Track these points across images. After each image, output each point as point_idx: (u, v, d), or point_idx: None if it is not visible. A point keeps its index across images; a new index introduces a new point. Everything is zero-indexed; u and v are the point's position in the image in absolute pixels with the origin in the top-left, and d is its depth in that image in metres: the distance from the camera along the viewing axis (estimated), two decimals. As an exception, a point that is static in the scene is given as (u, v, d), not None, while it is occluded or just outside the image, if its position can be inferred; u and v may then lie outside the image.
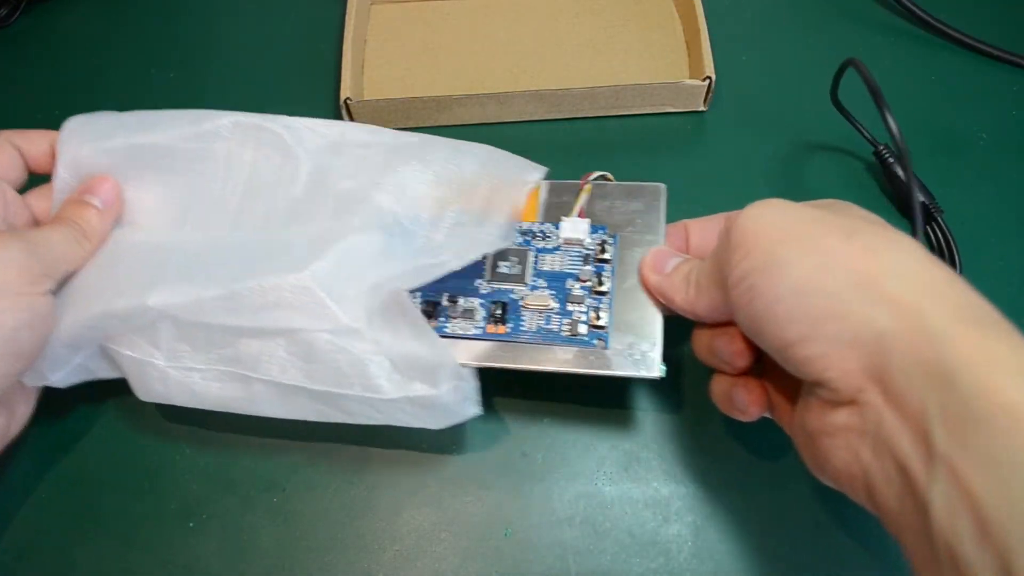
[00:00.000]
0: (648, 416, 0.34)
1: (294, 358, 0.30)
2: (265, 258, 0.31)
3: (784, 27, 0.46)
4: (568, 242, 0.33)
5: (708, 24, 0.42)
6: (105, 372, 0.33)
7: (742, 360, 0.28)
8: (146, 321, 0.31)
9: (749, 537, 0.31)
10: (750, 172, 0.40)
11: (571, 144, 0.42)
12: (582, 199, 0.33)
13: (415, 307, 0.31)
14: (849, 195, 0.39)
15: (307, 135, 0.33)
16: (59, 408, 0.35)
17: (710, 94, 0.41)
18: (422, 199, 0.32)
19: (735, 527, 0.31)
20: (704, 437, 0.33)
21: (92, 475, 0.34)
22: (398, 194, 0.32)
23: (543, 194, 0.34)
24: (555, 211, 0.34)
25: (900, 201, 0.39)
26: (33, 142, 0.33)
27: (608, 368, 0.30)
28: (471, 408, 0.31)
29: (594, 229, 0.33)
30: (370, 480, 0.33)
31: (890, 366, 0.22)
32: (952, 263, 0.36)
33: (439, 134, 0.42)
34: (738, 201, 0.39)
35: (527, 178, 0.33)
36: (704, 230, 0.32)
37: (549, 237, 0.33)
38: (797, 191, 0.40)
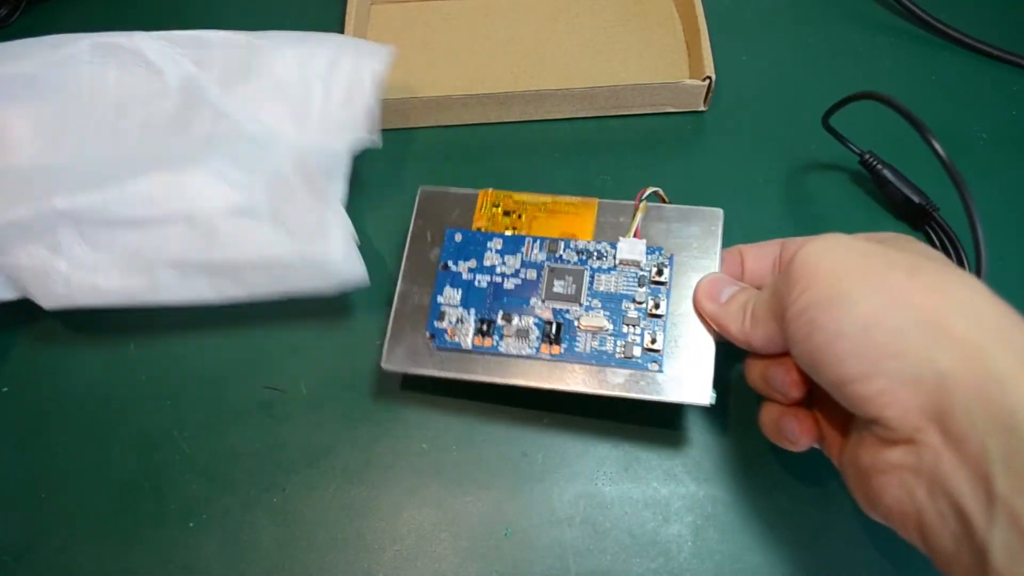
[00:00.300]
0: (649, 417, 0.34)
1: (195, 239, 0.33)
2: (158, 160, 0.33)
3: (784, 27, 0.46)
4: (624, 263, 0.32)
5: (708, 24, 0.42)
6: (3, 292, 0.34)
7: (797, 391, 0.27)
8: (46, 227, 0.32)
9: (749, 537, 0.31)
10: (750, 172, 0.40)
11: (571, 144, 0.42)
12: (638, 219, 0.33)
13: (314, 175, 0.34)
14: (850, 194, 0.39)
15: (167, 48, 0.36)
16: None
17: (710, 94, 0.41)
18: (289, 90, 0.35)
19: (735, 527, 0.31)
20: (704, 438, 0.33)
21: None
22: (267, 90, 0.35)
23: (597, 213, 0.34)
24: (609, 231, 0.33)
25: (894, 206, 0.39)
26: None
27: (659, 394, 0.30)
28: (359, 271, 0.34)
29: (650, 251, 0.32)
30: (370, 480, 0.33)
31: (951, 407, 0.21)
32: (958, 259, 0.36)
33: (439, 134, 0.43)
34: (738, 202, 0.39)
35: (377, 57, 0.36)
36: (759, 256, 0.31)
37: (605, 257, 0.33)
38: (798, 191, 0.40)
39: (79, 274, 0.33)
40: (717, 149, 0.41)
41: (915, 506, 0.23)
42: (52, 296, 0.33)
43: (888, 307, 0.23)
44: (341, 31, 0.43)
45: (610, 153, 0.41)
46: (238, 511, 0.32)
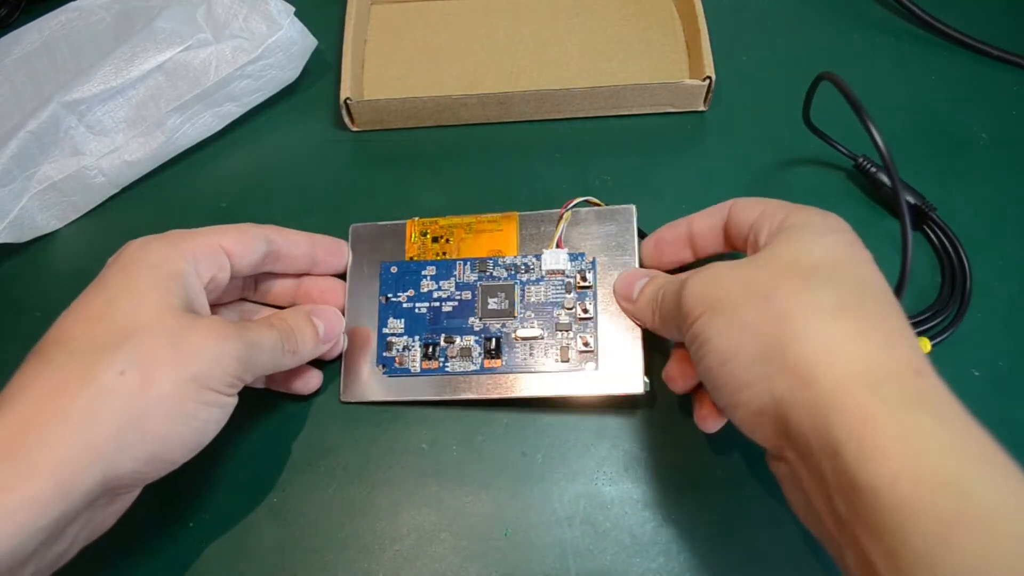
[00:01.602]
0: (648, 416, 0.34)
1: (176, 81, 0.39)
2: (115, 44, 0.39)
3: (784, 27, 0.46)
4: (550, 273, 0.34)
5: (708, 24, 0.42)
6: (51, 222, 0.40)
7: (678, 387, 0.31)
8: (56, 126, 0.37)
9: (749, 537, 0.31)
10: (750, 172, 0.40)
11: (571, 144, 0.42)
12: (560, 229, 0.35)
13: None
14: (847, 195, 0.39)
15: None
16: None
17: (710, 94, 0.41)
18: None
19: (735, 527, 0.31)
20: (704, 438, 0.33)
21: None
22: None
23: (520, 227, 0.36)
24: (533, 242, 0.35)
25: (891, 206, 0.38)
26: (293, 242, 0.33)
27: (598, 389, 0.32)
28: (311, 39, 0.42)
29: (573, 257, 0.34)
30: (370, 480, 0.33)
31: (792, 430, 0.23)
32: (958, 258, 0.36)
33: (439, 133, 0.43)
34: (738, 201, 0.39)
35: None
36: (706, 224, 0.32)
37: (532, 269, 0.35)
38: (797, 191, 0.40)
39: (106, 159, 0.39)
40: (717, 149, 0.41)
41: (813, 511, 0.24)
42: (97, 191, 0.40)
43: (740, 341, 0.24)
44: (341, 31, 0.43)
45: (610, 153, 0.41)
46: (238, 511, 0.32)
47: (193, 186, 0.41)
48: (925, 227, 0.38)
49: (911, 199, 0.37)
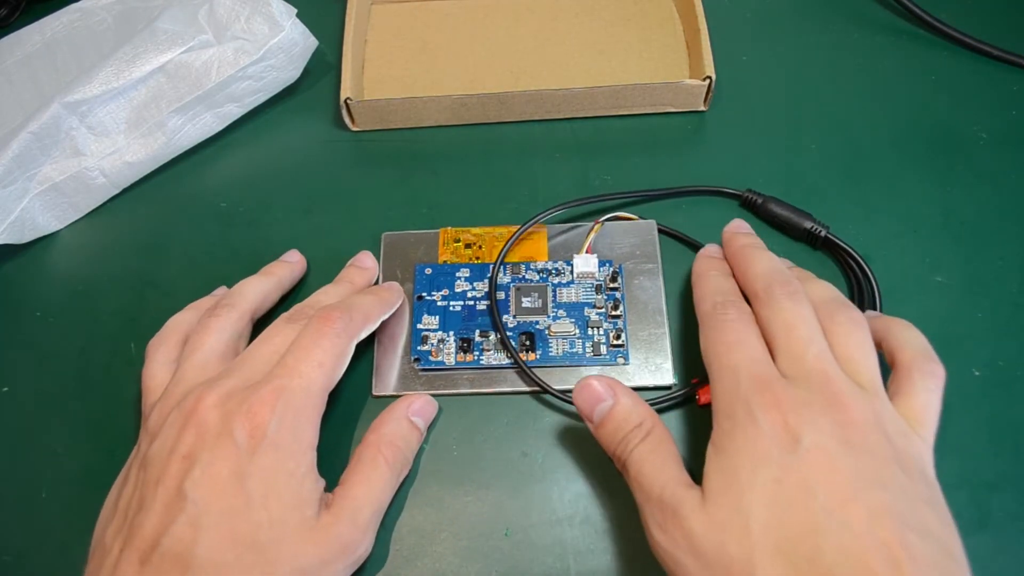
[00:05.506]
0: (648, 416, 0.34)
1: (178, 83, 0.39)
2: (116, 46, 0.39)
3: (784, 27, 0.46)
4: (581, 276, 0.36)
5: (708, 24, 0.42)
6: (51, 223, 0.40)
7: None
8: (58, 127, 0.37)
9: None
10: (750, 172, 0.40)
11: (571, 144, 0.42)
12: (591, 238, 0.37)
13: None
14: (849, 195, 0.39)
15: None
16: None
17: (710, 94, 0.41)
18: None
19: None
20: (703, 437, 0.33)
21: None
22: None
23: (549, 237, 0.38)
24: (561, 251, 0.37)
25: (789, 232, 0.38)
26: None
27: (629, 381, 0.34)
28: (312, 41, 0.42)
29: (601, 263, 0.36)
30: (370, 480, 0.33)
31: None
32: (863, 273, 0.35)
33: (439, 133, 0.43)
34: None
35: None
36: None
37: (562, 273, 0.36)
38: (797, 191, 0.40)
39: (107, 160, 0.39)
40: (717, 149, 0.41)
41: None
42: (98, 192, 0.40)
43: None
44: (341, 31, 0.43)
45: (610, 153, 0.41)
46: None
47: (194, 186, 0.42)
48: (824, 248, 0.37)
49: (804, 225, 0.37)
